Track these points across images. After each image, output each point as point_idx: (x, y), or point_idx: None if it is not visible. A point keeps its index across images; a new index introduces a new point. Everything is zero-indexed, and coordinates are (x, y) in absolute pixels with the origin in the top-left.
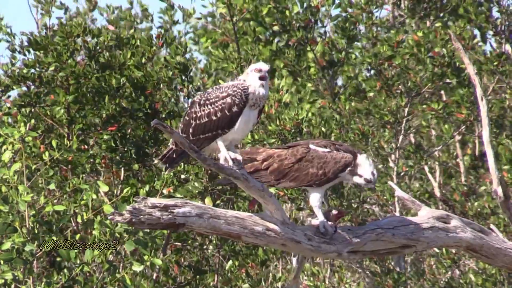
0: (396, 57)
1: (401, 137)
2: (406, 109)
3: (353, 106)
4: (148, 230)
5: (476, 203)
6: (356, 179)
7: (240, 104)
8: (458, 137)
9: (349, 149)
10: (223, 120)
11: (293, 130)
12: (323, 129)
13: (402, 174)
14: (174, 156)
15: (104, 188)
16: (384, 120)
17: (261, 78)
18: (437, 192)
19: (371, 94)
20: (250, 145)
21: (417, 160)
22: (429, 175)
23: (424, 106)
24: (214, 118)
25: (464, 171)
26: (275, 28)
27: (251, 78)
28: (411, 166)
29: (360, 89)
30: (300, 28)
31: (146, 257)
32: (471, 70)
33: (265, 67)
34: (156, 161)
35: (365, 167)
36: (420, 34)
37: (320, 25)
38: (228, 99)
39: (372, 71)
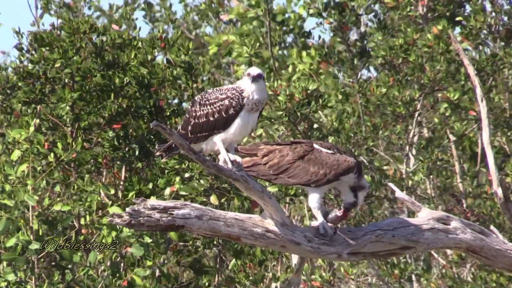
0: (411, 54)
1: (412, 132)
2: (419, 103)
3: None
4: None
5: (488, 202)
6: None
7: (237, 107)
8: (452, 138)
9: (355, 159)
10: (219, 121)
11: (301, 103)
12: (335, 123)
13: (412, 169)
14: (173, 145)
15: (108, 192)
16: (397, 112)
17: (253, 79)
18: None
19: (384, 90)
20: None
21: (428, 155)
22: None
23: (440, 95)
24: (211, 118)
25: (460, 172)
26: (311, 11)
27: (245, 83)
28: (421, 161)
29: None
30: (337, 11)
31: (149, 263)
32: (471, 70)
33: (254, 71)
34: (156, 147)
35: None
36: (440, 27)
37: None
38: (226, 101)
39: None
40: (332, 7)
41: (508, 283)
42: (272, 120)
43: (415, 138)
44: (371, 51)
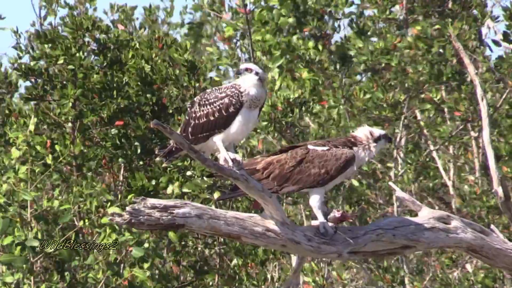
0: (392, 59)
1: (399, 136)
2: (406, 105)
3: (369, 97)
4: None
5: (492, 200)
6: (378, 146)
7: (237, 104)
8: (474, 134)
9: (345, 141)
10: (220, 120)
11: (284, 112)
12: (320, 131)
13: (401, 173)
14: (173, 149)
15: (108, 197)
16: (382, 114)
17: (242, 72)
18: (450, 190)
19: (368, 96)
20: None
21: (415, 157)
22: (443, 173)
23: (423, 96)
24: (212, 118)
25: (479, 169)
26: (290, 20)
27: (243, 80)
28: (409, 163)
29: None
30: (316, 18)
31: (146, 265)
32: (471, 70)
33: (251, 66)
34: (156, 152)
35: (374, 130)
36: (419, 28)
37: (334, 16)
38: (226, 100)
39: (369, 73)
40: (311, 14)
41: (494, 283)
42: (258, 130)
43: (403, 141)
44: (353, 58)
